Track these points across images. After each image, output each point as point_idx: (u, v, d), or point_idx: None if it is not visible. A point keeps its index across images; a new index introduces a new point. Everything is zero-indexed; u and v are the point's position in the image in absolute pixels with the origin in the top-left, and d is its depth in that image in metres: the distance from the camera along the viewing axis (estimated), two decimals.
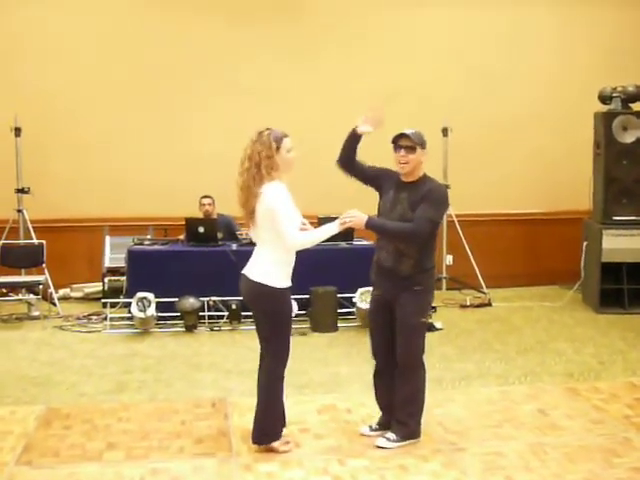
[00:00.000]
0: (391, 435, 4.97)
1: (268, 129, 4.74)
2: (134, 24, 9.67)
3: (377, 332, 5.07)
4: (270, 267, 4.71)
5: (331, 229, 4.79)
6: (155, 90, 9.67)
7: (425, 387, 5.05)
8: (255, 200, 4.67)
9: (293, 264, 4.81)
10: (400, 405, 4.97)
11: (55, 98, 9.55)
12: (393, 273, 4.90)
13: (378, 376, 5.14)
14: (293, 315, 4.97)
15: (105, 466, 4.68)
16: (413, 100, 9.87)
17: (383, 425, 5.10)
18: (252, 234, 4.90)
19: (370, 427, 5.16)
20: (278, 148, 4.69)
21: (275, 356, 4.79)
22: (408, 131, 4.92)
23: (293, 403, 5.47)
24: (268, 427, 4.84)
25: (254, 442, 4.85)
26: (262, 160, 4.65)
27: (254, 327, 7.84)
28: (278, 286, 4.70)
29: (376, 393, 5.18)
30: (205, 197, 8.98)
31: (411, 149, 4.86)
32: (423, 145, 4.91)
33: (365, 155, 4.98)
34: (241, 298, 7.81)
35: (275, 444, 4.84)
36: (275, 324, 4.77)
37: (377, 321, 5.06)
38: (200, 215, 8.93)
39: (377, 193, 5.07)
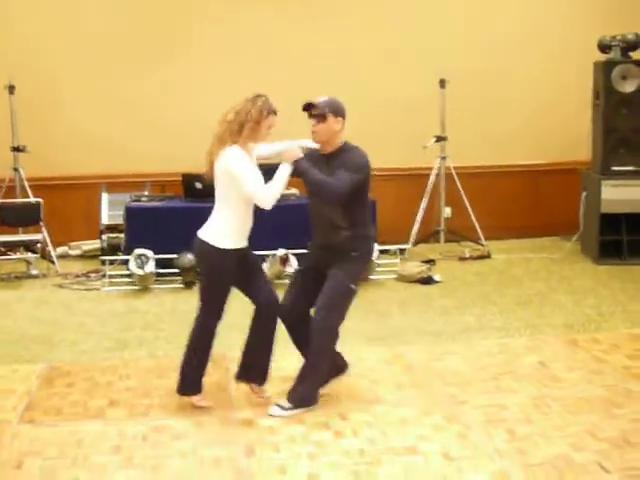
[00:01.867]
0: (284, 403, 4.86)
1: (264, 96, 4.72)
2: None
3: (295, 289, 5.04)
4: (219, 226, 4.75)
5: (285, 169, 4.72)
6: (153, 47, 9.51)
7: (329, 356, 4.92)
8: (214, 154, 4.72)
9: (249, 226, 4.80)
10: (300, 370, 4.91)
11: (50, 55, 9.42)
12: (328, 245, 4.87)
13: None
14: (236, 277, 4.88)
15: (107, 423, 4.70)
16: (410, 53, 9.78)
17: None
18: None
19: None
20: (265, 118, 4.67)
21: (202, 316, 4.89)
22: (319, 99, 4.80)
23: (293, 358, 5.47)
24: (188, 379, 4.91)
25: (178, 392, 4.94)
26: (247, 122, 4.63)
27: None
28: (220, 246, 4.70)
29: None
30: None
31: (321, 117, 4.75)
32: (337, 113, 4.78)
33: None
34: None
35: (194, 398, 4.92)
36: (210, 284, 4.85)
37: (300, 279, 5.06)
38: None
39: None
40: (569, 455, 4.21)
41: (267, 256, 7.84)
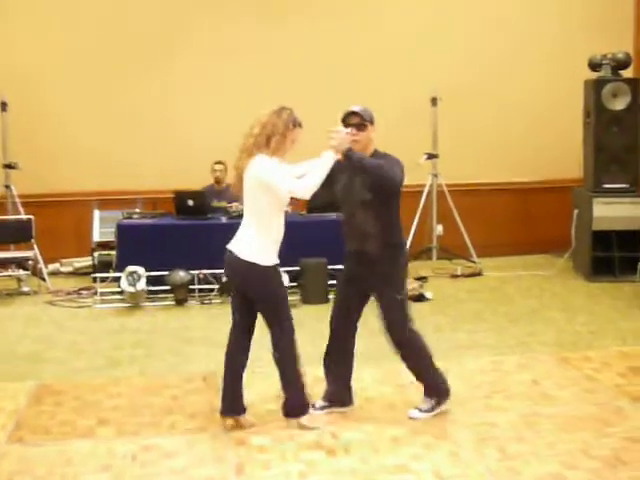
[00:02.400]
0: (423, 405, 5.02)
1: (290, 109, 4.72)
2: None
3: (341, 304, 5.11)
4: (258, 243, 4.67)
5: (329, 157, 4.66)
6: (143, 63, 9.55)
7: (425, 352, 5.06)
8: (244, 164, 4.66)
9: (281, 236, 4.78)
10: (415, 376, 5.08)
11: (42, 72, 9.44)
12: (361, 254, 4.91)
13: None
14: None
15: (97, 442, 4.66)
16: (402, 71, 9.81)
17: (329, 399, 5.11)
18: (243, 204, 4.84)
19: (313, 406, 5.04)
20: (291, 131, 4.67)
21: (285, 332, 4.78)
22: (356, 108, 4.85)
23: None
24: (297, 402, 4.82)
25: (286, 416, 4.85)
26: (274, 134, 4.62)
27: None
28: (269, 264, 4.67)
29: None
30: (218, 163, 8.99)
31: (362, 126, 4.81)
32: (372, 121, 4.87)
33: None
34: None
35: (303, 420, 4.81)
36: (274, 303, 4.76)
37: (344, 292, 5.10)
38: (211, 180, 9.02)
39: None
40: (561, 473, 4.19)
41: None
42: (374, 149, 4.91)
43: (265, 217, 4.67)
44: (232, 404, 4.85)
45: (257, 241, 4.68)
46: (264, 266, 4.66)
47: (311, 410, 4.92)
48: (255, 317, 4.86)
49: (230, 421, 4.83)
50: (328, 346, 5.14)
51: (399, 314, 5.00)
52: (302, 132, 4.74)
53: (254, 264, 4.65)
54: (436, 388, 5.04)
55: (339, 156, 4.68)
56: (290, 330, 4.80)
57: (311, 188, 4.62)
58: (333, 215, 8.31)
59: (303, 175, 4.76)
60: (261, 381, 5.42)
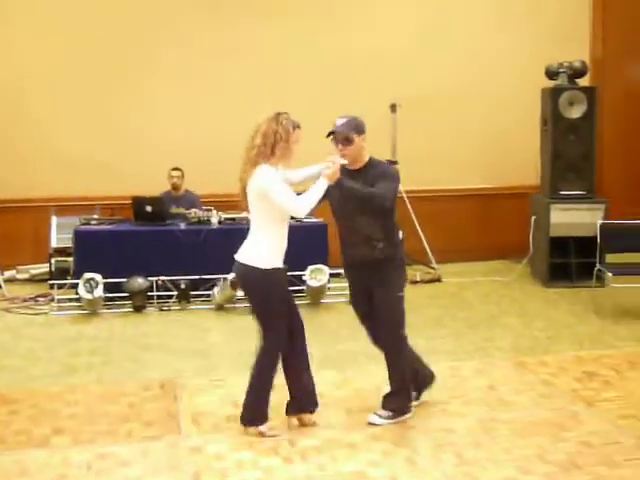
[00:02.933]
0: (382, 412, 5.04)
1: (285, 113, 4.74)
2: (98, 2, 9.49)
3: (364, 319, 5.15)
4: (259, 248, 4.71)
5: (322, 184, 4.73)
6: (103, 67, 9.46)
7: (408, 359, 5.16)
8: (247, 176, 4.69)
9: (285, 245, 4.80)
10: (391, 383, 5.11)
11: (6, 74, 9.32)
12: (365, 262, 4.96)
13: None
14: (286, 295, 4.93)
15: (52, 452, 4.62)
16: (361, 77, 9.83)
17: None
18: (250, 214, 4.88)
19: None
20: (291, 135, 4.70)
21: (268, 340, 4.78)
22: (339, 122, 4.90)
23: (240, 383, 5.44)
24: (254, 408, 4.81)
25: (243, 424, 4.83)
26: (277, 142, 4.64)
27: (203, 307, 7.89)
28: (266, 267, 4.68)
29: None
30: (175, 169, 8.94)
31: (347, 141, 4.86)
32: (360, 131, 4.92)
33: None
34: (190, 277, 7.83)
35: (262, 428, 4.79)
36: (265, 307, 4.78)
37: (362, 309, 5.13)
38: (168, 186, 8.97)
39: None
40: (517, 478, 4.24)
41: (218, 280, 7.81)
42: (369, 157, 4.97)
43: (269, 226, 4.72)
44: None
45: (259, 246, 4.72)
46: (261, 269, 4.68)
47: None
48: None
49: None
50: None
51: (400, 312, 5.06)
52: (302, 132, 4.78)
53: (251, 267, 4.70)
54: (403, 398, 5.06)
55: (330, 180, 4.74)
56: (272, 341, 4.78)
57: (305, 209, 4.69)
58: (291, 221, 8.30)
59: (300, 182, 4.94)
60: (217, 389, 5.39)
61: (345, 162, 4.83)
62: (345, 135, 4.86)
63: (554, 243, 8.86)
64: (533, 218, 9.26)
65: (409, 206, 9.50)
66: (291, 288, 7.89)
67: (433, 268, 9.51)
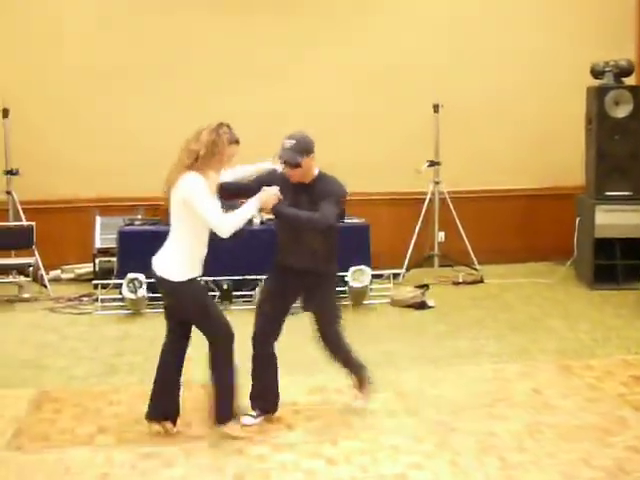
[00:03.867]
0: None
1: (226, 125, 4.72)
2: (127, 4, 9.56)
3: (266, 317, 5.12)
4: (173, 258, 4.69)
5: (252, 208, 4.70)
6: (141, 70, 9.54)
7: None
8: (172, 181, 4.68)
9: (203, 254, 4.76)
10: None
11: (44, 78, 9.41)
12: (303, 270, 4.96)
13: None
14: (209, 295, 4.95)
15: (95, 451, 4.65)
16: (404, 78, 9.80)
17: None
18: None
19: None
20: (226, 148, 4.66)
21: (214, 340, 4.81)
22: (287, 145, 4.84)
23: (284, 384, 5.44)
24: (223, 409, 4.82)
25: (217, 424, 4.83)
26: (209, 151, 4.61)
27: (245, 307, 7.90)
28: (178, 279, 4.65)
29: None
30: None
31: (295, 166, 4.84)
32: (309, 152, 4.86)
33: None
34: (234, 278, 7.84)
35: (230, 425, 4.80)
36: (188, 314, 4.81)
37: (272, 306, 5.11)
38: None
39: None
40: None
41: (260, 280, 7.82)
42: (317, 173, 4.95)
43: (187, 235, 4.67)
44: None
45: (173, 257, 4.69)
46: (174, 282, 4.65)
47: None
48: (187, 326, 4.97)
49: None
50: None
51: (335, 316, 5.22)
52: (238, 148, 4.73)
53: (164, 279, 4.69)
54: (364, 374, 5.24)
55: (258, 206, 4.74)
56: (217, 336, 4.81)
57: (229, 230, 4.60)
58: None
59: (237, 180, 4.97)
60: None
61: (279, 169, 4.92)
62: (294, 163, 4.83)
63: (599, 244, 8.74)
64: (578, 219, 9.15)
65: (452, 207, 9.46)
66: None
67: (476, 269, 9.44)
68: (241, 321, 7.47)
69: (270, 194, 4.72)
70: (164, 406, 4.89)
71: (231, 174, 4.98)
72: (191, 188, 4.58)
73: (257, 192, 4.78)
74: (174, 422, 4.89)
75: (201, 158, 4.61)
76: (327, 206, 4.81)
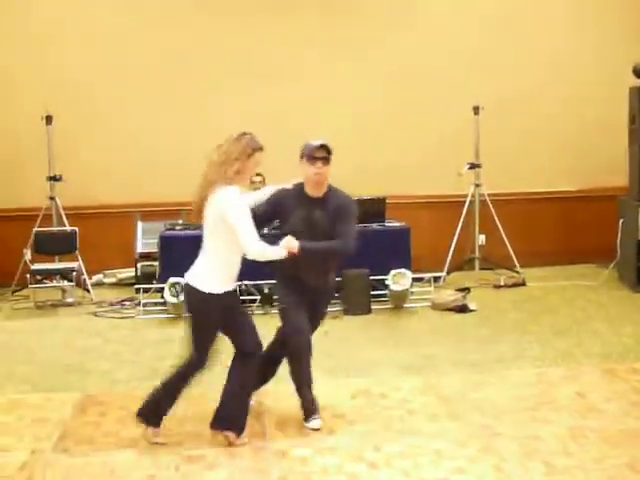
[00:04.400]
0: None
1: (250, 134, 4.69)
2: (166, 11, 9.66)
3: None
4: (208, 270, 4.66)
5: (279, 252, 4.70)
6: (185, 77, 9.65)
7: None
8: (206, 195, 4.63)
9: (238, 269, 4.73)
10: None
11: (86, 86, 9.56)
12: (319, 288, 5.05)
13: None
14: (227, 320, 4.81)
15: (140, 453, 4.69)
16: (444, 81, 9.79)
17: None
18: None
19: None
20: (249, 156, 4.62)
21: (195, 359, 4.78)
22: (316, 144, 4.89)
23: (327, 388, 5.46)
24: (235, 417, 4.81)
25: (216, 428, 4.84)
26: (236, 161, 4.57)
27: None
28: (210, 291, 4.62)
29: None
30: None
31: (327, 160, 4.88)
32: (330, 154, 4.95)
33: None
34: (273, 282, 7.83)
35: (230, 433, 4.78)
36: (200, 330, 4.74)
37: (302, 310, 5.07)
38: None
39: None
40: None
41: None
42: (328, 184, 5.00)
43: (224, 250, 4.64)
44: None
45: (209, 270, 4.66)
46: (204, 292, 4.62)
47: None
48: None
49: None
50: None
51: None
52: (263, 155, 4.69)
53: (195, 288, 4.65)
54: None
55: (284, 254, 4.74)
56: (197, 361, 4.77)
57: (257, 256, 4.59)
58: (374, 225, 8.30)
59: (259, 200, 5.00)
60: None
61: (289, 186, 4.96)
62: (329, 153, 4.88)
63: None
64: (621, 221, 9.05)
65: (492, 210, 9.40)
66: (374, 292, 8.01)
67: (517, 272, 9.37)
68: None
69: (290, 241, 4.73)
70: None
71: (254, 196, 5.06)
72: (230, 204, 4.54)
73: (271, 216, 5.00)
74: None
75: (227, 169, 4.57)
76: (348, 228, 4.88)
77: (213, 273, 4.66)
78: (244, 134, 4.68)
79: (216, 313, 4.69)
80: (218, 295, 4.64)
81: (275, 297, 6.78)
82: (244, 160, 4.61)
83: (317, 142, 4.92)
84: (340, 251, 4.94)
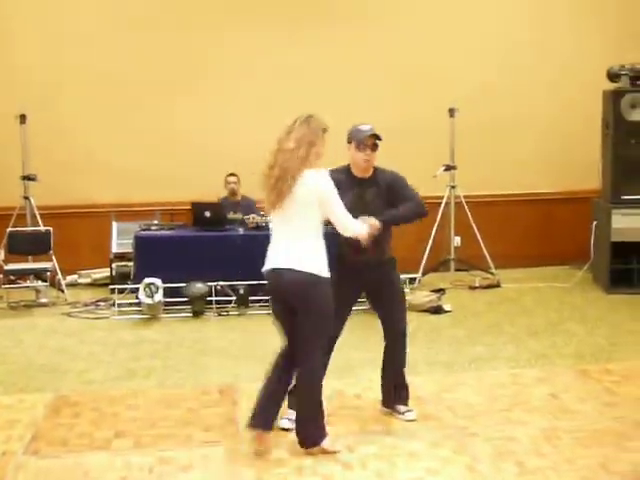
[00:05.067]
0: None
1: (314, 115, 4.62)
2: (142, 8, 9.60)
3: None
4: (316, 254, 4.54)
5: (363, 229, 4.72)
6: (160, 74, 9.60)
7: None
8: (293, 183, 4.48)
9: None
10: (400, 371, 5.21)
11: (60, 84, 9.49)
12: (377, 263, 5.00)
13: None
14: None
15: (113, 455, 4.66)
16: (420, 82, 9.81)
17: None
18: (276, 220, 4.64)
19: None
20: (322, 138, 4.60)
21: (315, 348, 4.59)
22: (366, 128, 4.98)
23: None
24: (314, 428, 4.66)
25: (303, 447, 4.65)
26: (312, 145, 4.52)
27: (261, 312, 7.88)
28: (325, 275, 4.54)
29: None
30: (231, 175, 9.04)
31: (376, 147, 4.99)
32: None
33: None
34: (250, 282, 7.80)
35: (324, 444, 4.64)
36: (321, 316, 4.55)
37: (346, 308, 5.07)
38: (225, 193, 9.08)
39: None
40: None
41: None
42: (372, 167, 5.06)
43: (318, 233, 4.58)
44: None
45: (317, 254, 4.55)
46: (320, 277, 4.52)
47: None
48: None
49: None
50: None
51: (404, 304, 5.28)
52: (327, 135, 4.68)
53: (311, 274, 4.48)
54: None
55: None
56: (317, 358, 4.63)
57: (351, 233, 4.66)
58: None
59: None
60: None
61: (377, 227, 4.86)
62: (377, 140, 4.97)
63: (616, 248, 8.70)
64: (594, 223, 9.11)
65: (468, 211, 9.44)
66: None
67: (492, 273, 9.42)
68: (257, 325, 7.55)
69: (371, 220, 4.77)
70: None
71: None
72: (323, 185, 4.52)
73: None
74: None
75: (305, 154, 4.50)
76: (412, 192, 5.06)
77: (321, 255, 4.58)
78: (310, 116, 4.61)
79: (329, 296, 4.59)
80: (327, 279, 4.58)
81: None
82: (320, 142, 4.58)
83: (366, 128, 4.97)
84: (418, 211, 5.07)
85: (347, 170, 5.03)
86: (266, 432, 4.64)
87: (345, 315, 5.09)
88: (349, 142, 5.01)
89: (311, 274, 4.49)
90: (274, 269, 4.59)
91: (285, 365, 4.69)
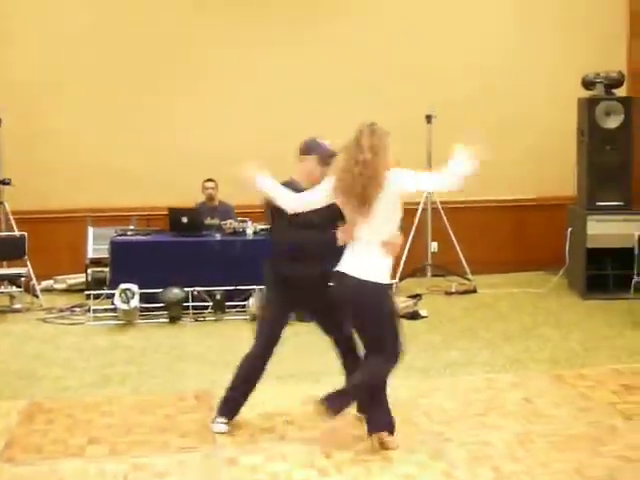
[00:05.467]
0: None
1: (374, 123, 4.74)
2: (121, 9, 9.57)
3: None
4: (381, 262, 4.67)
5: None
6: (137, 80, 9.57)
7: None
8: (379, 189, 4.58)
9: None
10: None
11: (36, 88, 9.43)
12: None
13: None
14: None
15: (88, 462, 4.62)
16: (397, 87, 9.84)
17: None
18: (361, 229, 4.68)
19: None
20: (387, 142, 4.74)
21: (389, 354, 4.70)
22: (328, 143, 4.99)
23: (277, 394, 5.46)
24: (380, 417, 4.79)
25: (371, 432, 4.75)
26: (384, 152, 4.67)
27: (238, 317, 7.87)
28: (387, 282, 4.68)
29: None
30: (209, 180, 9.02)
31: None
32: None
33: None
34: (227, 288, 7.78)
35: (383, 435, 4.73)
36: (391, 320, 4.68)
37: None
38: (202, 198, 9.04)
39: None
40: None
41: (253, 291, 7.83)
42: None
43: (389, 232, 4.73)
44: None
45: (378, 259, 4.68)
46: (384, 284, 4.67)
47: None
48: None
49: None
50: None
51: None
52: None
53: (377, 284, 4.61)
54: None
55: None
56: (395, 355, 4.74)
57: (455, 178, 5.14)
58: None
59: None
60: (251, 400, 5.37)
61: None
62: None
63: (591, 254, 8.77)
64: (569, 229, 9.18)
65: (444, 217, 9.47)
66: None
67: (468, 279, 9.45)
68: (234, 330, 7.54)
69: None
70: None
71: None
72: (399, 172, 4.73)
73: None
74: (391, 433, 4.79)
75: (384, 162, 4.65)
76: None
77: (388, 261, 4.70)
78: (373, 124, 4.72)
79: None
80: (390, 286, 4.71)
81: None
82: (388, 147, 4.72)
83: (327, 143, 4.98)
84: None
85: (296, 183, 4.91)
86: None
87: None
88: (306, 154, 4.93)
89: (375, 283, 4.60)
90: (343, 271, 4.66)
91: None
